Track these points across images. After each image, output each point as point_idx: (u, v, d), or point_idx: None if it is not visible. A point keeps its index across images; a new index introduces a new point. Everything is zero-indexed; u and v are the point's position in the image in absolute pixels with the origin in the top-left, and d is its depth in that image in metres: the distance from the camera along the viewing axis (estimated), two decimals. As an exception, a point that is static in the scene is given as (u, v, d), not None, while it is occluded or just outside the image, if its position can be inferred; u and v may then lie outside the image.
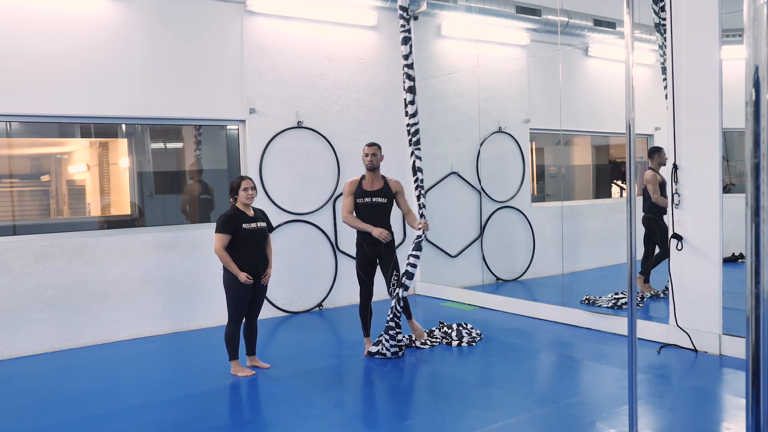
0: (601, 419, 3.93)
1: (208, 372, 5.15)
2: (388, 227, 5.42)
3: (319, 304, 7.51)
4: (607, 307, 6.63)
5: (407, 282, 5.40)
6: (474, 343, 5.77)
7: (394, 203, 5.49)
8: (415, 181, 5.66)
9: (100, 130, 6.86)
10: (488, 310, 7.24)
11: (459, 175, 8.43)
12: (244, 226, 4.91)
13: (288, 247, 7.26)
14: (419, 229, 5.49)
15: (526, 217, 8.70)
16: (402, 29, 5.72)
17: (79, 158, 7.54)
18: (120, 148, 7.10)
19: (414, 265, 5.44)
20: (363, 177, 5.45)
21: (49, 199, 7.27)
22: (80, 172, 7.53)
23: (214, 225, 5.06)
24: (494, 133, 8.52)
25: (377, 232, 5.26)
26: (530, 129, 8.70)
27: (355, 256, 5.58)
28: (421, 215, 5.61)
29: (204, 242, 6.62)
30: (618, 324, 5.91)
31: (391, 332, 5.36)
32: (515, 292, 8.02)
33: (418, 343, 5.74)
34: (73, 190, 7.57)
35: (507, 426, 3.86)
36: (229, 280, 4.92)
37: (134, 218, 6.83)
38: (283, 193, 7.26)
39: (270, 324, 6.81)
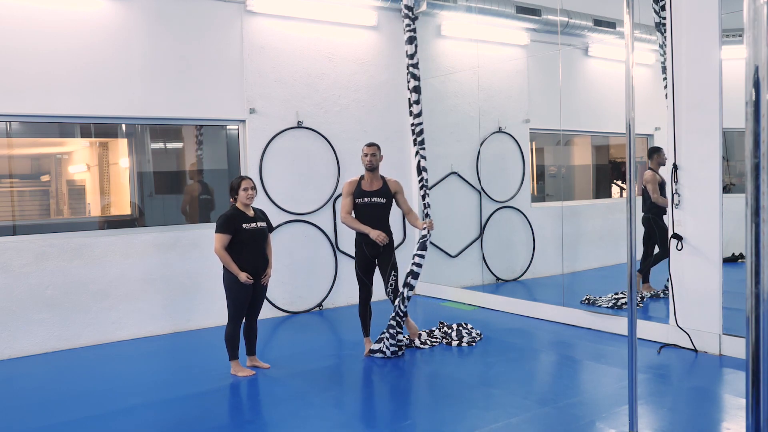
0: (601, 419, 3.93)
1: (208, 372, 5.15)
2: (387, 228, 5.41)
3: (319, 304, 7.51)
4: (607, 307, 6.63)
5: (413, 281, 5.39)
6: (474, 343, 5.77)
7: (394, 203, 5.49)
8: (420, 180, 5.65)
9: (100, 130, 6.87)
10: (488, 310, 7.24)
11: (459, 175, 8.43)
12: (244, 226, 4.91)
13: (288, 247, 7.26)
14: (424, 228, 5.48)
15: (526, 217, 8.71)
16: (407, 28, 5.68)
17: (79, 158, 7.54)
18: (120, 148, 7.10)
19: (419, 265, 5.43)
20: (362, 177, 5.45)
21: (49, 199, 7.28)
22: (80, 172, 7.53)
23: (214, 225, 5.06)
24: (494, 133, 8.53)
25: (374, 234, 5.26)
26: (530, 129, 8.70)
27: (354, 256, 5.58)
28: (426, 215, 5.61)
29: (204, 242, 6.62)
30: (618, 324, 5.91)
31: (391, 331, 5.36)
32: (515, 292, 8.02)
33: (417, 343, 5.74)
34: (73, 190, 7.57)
35: (507, 426, 3.86)
36: (229, 280, 4.92)
37: (134, 218, 6.83)
38: (283, 193, 7.26)
39: (270, 324, 6.81)
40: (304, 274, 7.42)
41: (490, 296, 7.52)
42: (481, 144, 8.46)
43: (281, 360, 5.44)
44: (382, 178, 5.46)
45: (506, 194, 8.62)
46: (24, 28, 5.81)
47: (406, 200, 5.60)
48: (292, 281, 7.33)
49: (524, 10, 8.02)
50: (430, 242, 8.20)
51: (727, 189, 6.23)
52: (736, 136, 6.58)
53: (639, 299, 6.83)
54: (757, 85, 1.67)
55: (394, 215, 5.78)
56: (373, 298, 5.61)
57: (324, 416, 4.12)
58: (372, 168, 5.38)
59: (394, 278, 5.40)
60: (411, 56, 5.67)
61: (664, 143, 5.65)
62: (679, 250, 5.42)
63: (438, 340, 5.86)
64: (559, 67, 7.43)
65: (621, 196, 9.16)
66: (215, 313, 6.64)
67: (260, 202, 6.75)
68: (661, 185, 6.81)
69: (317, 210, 7.48)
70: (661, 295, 6.84)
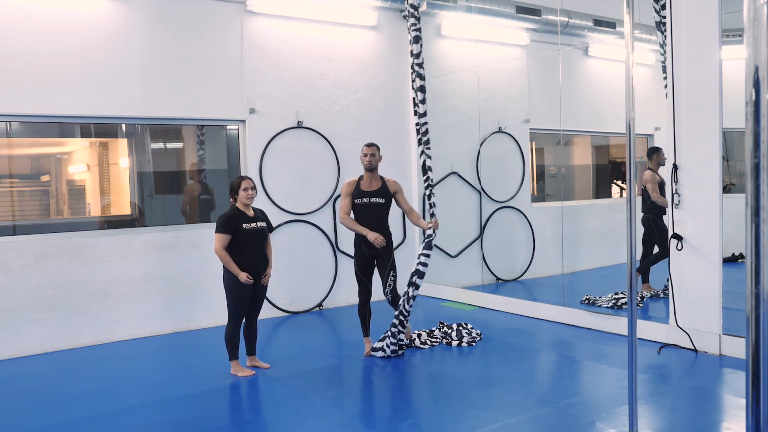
0: (601, 419, 3.93)
1: (208, 372, 5.15)
2: (387, 228, 5.41)
3: (319, 304, 7.51)
4: (607, 307, 6.63)
5: (418, 281, 5.39)
6: (474, 343, 5.77)
7: (394, 203, 5.49)
8: (426, 180, 5.65)
9: (100, 130, 6.87)
10: (488, 310, 7.24)
11: (459, 175, 8.43)
12: (244, 226, 4.91)
13: (288, 247, 7.26)
14: (429, 227, 5.48)
15: (526, 217, 8.71)
16: (413, 27, 5.65)
17: (79, 158, 7.54)
18: (120, 148, 7.10)
19: (425, 264, 5.43)
20: (361, 177, 5.45)
21: (49, 199, 7.28)
22: (80, 172, 7.53)
23: (214, 225, 5.06)
24: (494, 133, 8.53)
25: (372, 236, 5.26)
26: (530, 129, 8.70)
27: (353, 256, 5.58)
28: (432, 214, 5.61)
29: (204, 242, 6.62)
30: (618, 324, 5.91)
31: (393, 329, 5.37)
32: (515, 292, 8.02)
33: (417, 343, 5.74)
34: (73, 190, 7.57)
35: (507, 426, 3.86)
36: (229, 280, 4.92)
37: (134, 218, 6.83)
38: (283, 193, 7.26)
39: (270, 324, 6.81)
40: (304, 274, 7.42)
41: (490, 296, 7.52)
42: (481, 144, 8.46)
43: (281, 360, 5.44)
44: (381, 178, 5.46)
45: (506, 194, 8.62)
46: (24, 28, 5.81)
47: (407, 200, 5.60)
48: (292, 281, 7.33)
49: (524, 10, 8.02)
50: (431, 242, 8.19)
51: (727, 189, 6.23)
52: (736, 136, 6.58)
53: (639, 299, 6.83)
54: (757, 85, 1.67)
55: (394, 215, 5.77)
56: (373, 299, 5.61)
57: (324, 416, 4.12)
58: (371, 168, 5.38)
59: (392, 279, 5.39)
60: (417, 55, 5.65)
61: (664, 143, 5.65)
62: (679, 250, 5.42)
63: (438, 340, 5.86)
64: (559, 67, 7.43)
65: (621, 196, 9.16)
66: (215, 313, 6.64)
67: (260, 202, 6.75)
68: (661, 185, 6.81)
69: (317, 210, 7.48)
70: (661, 295, 6.84)
